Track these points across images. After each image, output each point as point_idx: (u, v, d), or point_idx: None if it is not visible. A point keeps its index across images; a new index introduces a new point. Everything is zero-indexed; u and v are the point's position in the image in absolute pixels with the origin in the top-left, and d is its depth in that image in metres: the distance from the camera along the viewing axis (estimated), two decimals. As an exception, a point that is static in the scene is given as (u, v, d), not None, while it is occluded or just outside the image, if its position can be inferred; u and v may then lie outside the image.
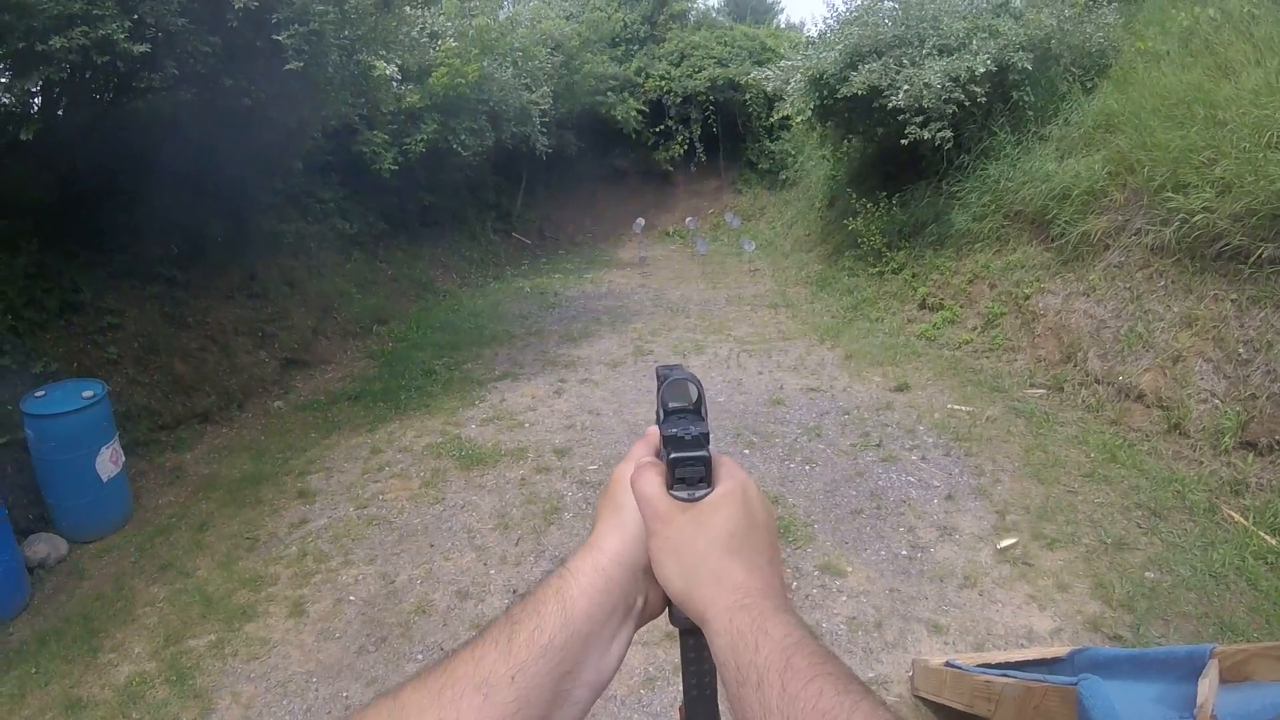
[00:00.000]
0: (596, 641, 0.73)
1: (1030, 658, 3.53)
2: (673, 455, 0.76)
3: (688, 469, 0.75)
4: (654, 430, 0.85)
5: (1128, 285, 6.82)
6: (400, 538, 5.23)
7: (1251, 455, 5.21)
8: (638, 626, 0.79)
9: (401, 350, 9.52)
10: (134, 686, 3.98)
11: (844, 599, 4.45)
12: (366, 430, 6.99)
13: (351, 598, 4.63)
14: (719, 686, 0.74)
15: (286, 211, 10.02)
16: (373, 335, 10.02)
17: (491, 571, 4.83)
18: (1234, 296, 5.89)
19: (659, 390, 0.85)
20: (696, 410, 0.82)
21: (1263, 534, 4.70)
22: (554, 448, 6.45)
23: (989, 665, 3.50)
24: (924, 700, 3.68)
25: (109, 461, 5.34)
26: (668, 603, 0.78)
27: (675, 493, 0.75)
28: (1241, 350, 5.64)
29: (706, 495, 0.75)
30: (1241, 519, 4.88)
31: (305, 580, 4.81)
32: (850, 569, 4.71)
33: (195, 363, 7.47)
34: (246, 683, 4.00)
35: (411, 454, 6.47)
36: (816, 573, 4.67)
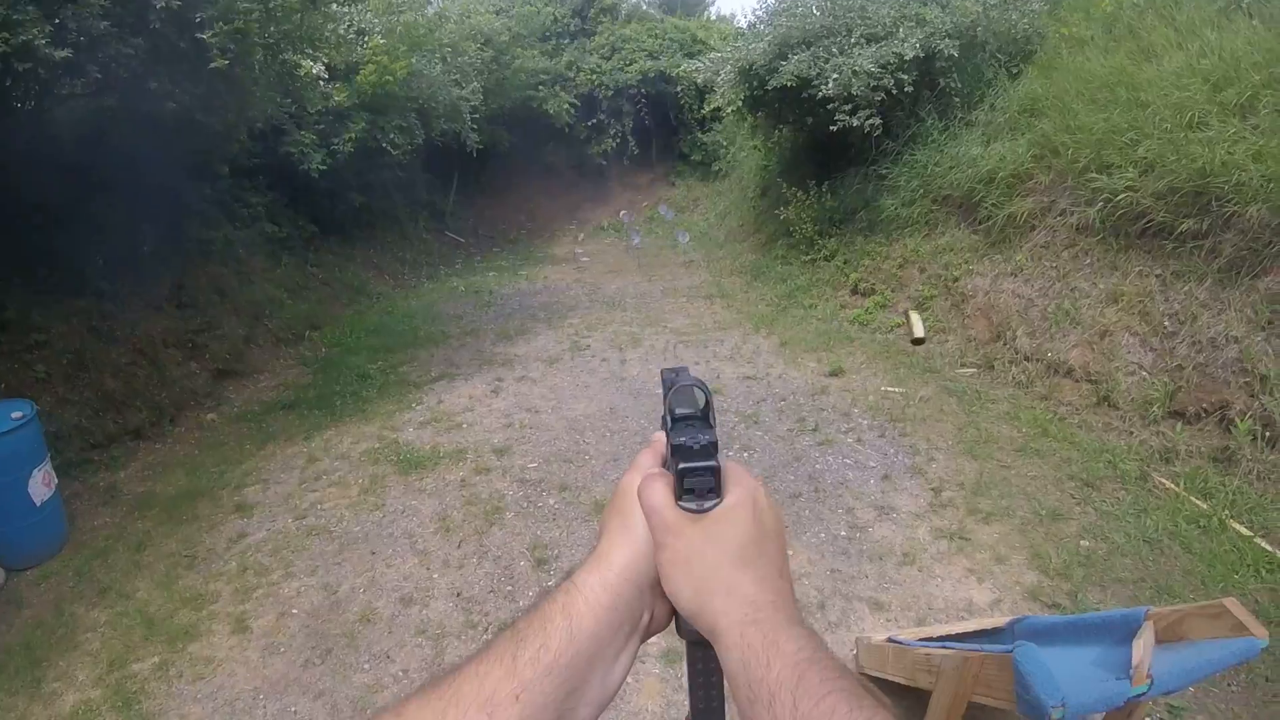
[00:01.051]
0: (602, 659, 0.71)
1: (971, 629, 3.56)
2: (681, 465, 0.74)
3: (696, 479, 0.73)
4: (660, 437, 0.83)
5: (1054, 264, 6.94)
6: (341, 547, 5.09)
7: (1180, 424, 5.34)
8: (643, 640, 0.78)
9: (335, 356, 9.29)
10: (80, 715, 3.82)
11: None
12: (302, 439, 6.80)
13: (294, 610, 4.49)
14: (727, 700, 0.73)
15: (214, 217, 9.72)
16: (305, 342, 9.74)
17: (435, 576, 4.73)
18: (1158, 272, 6.03)
19: (665, 396, 0.82)
20: (704, 417, 0.79)
21: (1194, 499, 4.81)
22: (493, 447, 6.34)
23: (930, 639, 3.51)
24: (869, 677, 3.66)
25: (42, 484, 5.08)
26: (674, 615, 0.77)
27: (684, 504, 0.74)
28: (1167, 323, 5.76)
29: (716, 506, 0.73)
30: (1173, 485, 4.98)
31: (247, 595, 4.65)
32: (791, 552, 4.66)
33: (125, 378, 7.19)
34: (193, 704, 3.85)
35: (349, 461, 6.31)
36: (757, 557, 4.63)
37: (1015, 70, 9.15)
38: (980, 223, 7.88)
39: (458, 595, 4.51)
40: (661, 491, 0.75)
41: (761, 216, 13.05)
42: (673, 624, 0.78)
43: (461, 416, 7.04)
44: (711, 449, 0.74)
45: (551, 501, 5.50)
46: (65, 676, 4.09)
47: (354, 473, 6.10)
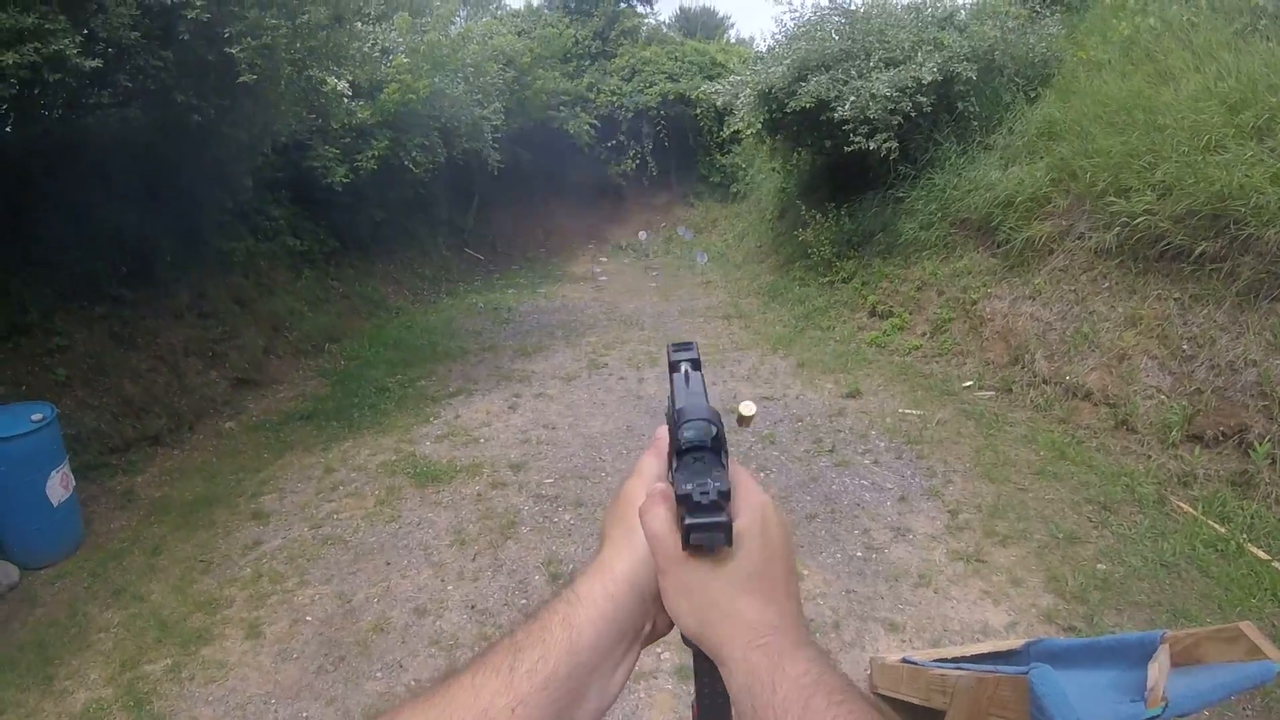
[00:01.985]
0: (602, 669, 0.69)
1: (986, 651, 3.53)
2: (688, 521, 0.67)
3: (704, 535, 0.67)
4: (663, 434, 0.79)
5: (1072, 288, 6.92)
6: (356, 557, 5.12)
7: (1198, 447, 5.30)
8: (644, 647, 0.76)
9: (354, 368, 9.35)
10: (91, 714, 3.85)
11: (802, 602, 4.43)
12: (320, 450, 6.84)
13: (308, 618, 4.52)
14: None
15: (236, 229, 9.81)
16: (325, 354, 9.82)
17: (449, 588, 4.74)
18: (1176, 295, 5.99)
19: (671, 380, 0.79)
20: (716, 449, 0.72)
21: (1212, 522, 4.78)
22: (509, 463, 6.37)
23: (945, 660, 3.50)
24: (883, 697, 3.66)
25: (59, 486, 5.14)
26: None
27: (689, 552, 0.68)
28: (1185, 347, 5.74)
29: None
30: (1190, 509, 4.96)
31: (261, 602, 4.68)
32: (807, 572, 4.68)
33: (145, 384, 7.27)
34: (205, 706, 3.88)
35: (365, 472, 6.35)
36: (773, 577, 4.64)
37: (1033, 94, 9.15)
38: (998, 246, 7.88)
39: (472, 607, 4.53)
40: (663, 519, 0.70)
41: (780, 238, 13.08)
42: (675, 631, 0.74)
43: (478, 431, 7.07)
44: (722, 501, 0.66)
45: (567, 517, 5.51)
46: (77, 675, 4.13)
47: (370, 484, 6.14)
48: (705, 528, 0.66)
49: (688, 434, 0.72)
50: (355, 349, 10.09)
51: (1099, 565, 4.57)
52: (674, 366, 0.82)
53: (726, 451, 0.73)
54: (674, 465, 0.73)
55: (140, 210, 7.68)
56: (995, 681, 2.62)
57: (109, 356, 7.12)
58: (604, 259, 16.75)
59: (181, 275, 8.44)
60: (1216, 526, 4.74)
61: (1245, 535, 4.62)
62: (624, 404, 7.59)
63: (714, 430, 0.73)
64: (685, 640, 0.72)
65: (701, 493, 0.66)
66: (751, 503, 0.72)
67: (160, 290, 8.10)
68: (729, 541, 0.68)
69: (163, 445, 6.98)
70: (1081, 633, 4.00)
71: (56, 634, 4.47)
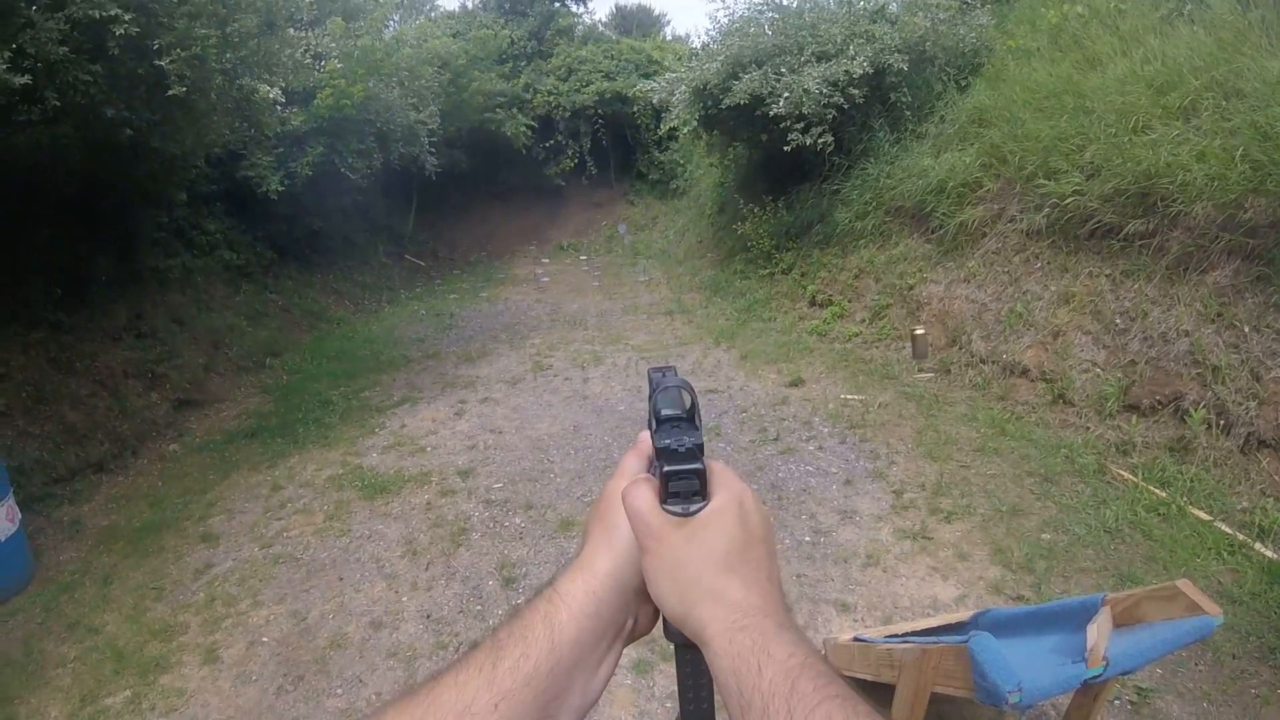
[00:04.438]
0: (584, 666, 0.71)
1: (936, 624, 3.56)
2: (666, 469, 0.72)
3: (681, 482, 0.72)
4: (645, 438, 0.81)
5: (1006, 269, 7.05)
6: (308, 574, 5.02)
7: (1135, 417, 5.42)
8: (626, 645, 0.77)
9: (296, 382, 9.16)
10: None
11: None
12: (266, 467, 6.70)
13: (264, 639, 4.41)
14: (717, 704, 0.72)
15: (171, 245, 9.58)
16: (266, 369, 9.61)
17: (404, 599, 4.67)
18: (1108, 272, 6.14)
19: (651, 396, 0.81)
20: (690, 419, 0.77)
21: (1152, 488, 4.88)
22: (457, 469, 6.29)
23: (895, 635, 3.52)
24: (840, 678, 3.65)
25: (5, 520, 4.95)
26: (661, 619, 0.75)
27: (669, 507, 0.72)
28: (1118, 321, 5.86)
29: (701, 509, 0.71)
30: (1130, 476, 5.05)
31: (216, 626, 4.57)
32: None
33: (86, 410, 7.05)
34: None
35: (313, 488, 6.22)
36: (722, 567, 4.62)
37: (964, 83, 9.28)
38: (932, 232, 7.99)
39: (427, 617, 4.47)
40: (646, 496, 0.73)
41: (720, 233, 13.13)
42: (655, 629, 0.77)
43: (425, 440, 6.97)
44: (697, 451, 0.72)
45: (518, 521, 5.45)
46: (37, 714, 4.01)
47: (318, 499, 6.02)
48: (683, 474, 0.71)
49: (663, 405, 0.78)
50: (297, 362, 9.91)
51: (1043, 535, 4.63)
52: (651, 375, 0.85)
53: (700, 418, 0.78)
54: (653, 429, 0.78)
55: (72, 230, 7.50)
56: (939, 652, 2.64)
57: (48, 383, 6.92)
58: (546, 260, 16.67)
59: (118, 296, 8.23)
60: (1157, 491, 4.83)
61: (1186, 498, 4.72)
62: (570, 404, 7.53)
63: (688, 399, 0.78)
64: (668, 633, 0.73)
65: (679, 443, 0.73)
66: (729, 487, 0.73)
67: (97, 312, 7.89)
68: (704, 491, 0.72)
69: (107, 472, 6.82)
70: (1029, 601, 4.05)
71: (13, 673, 4.32)
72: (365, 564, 5.08)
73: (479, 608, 4.51)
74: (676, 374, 0.82)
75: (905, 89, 9.38)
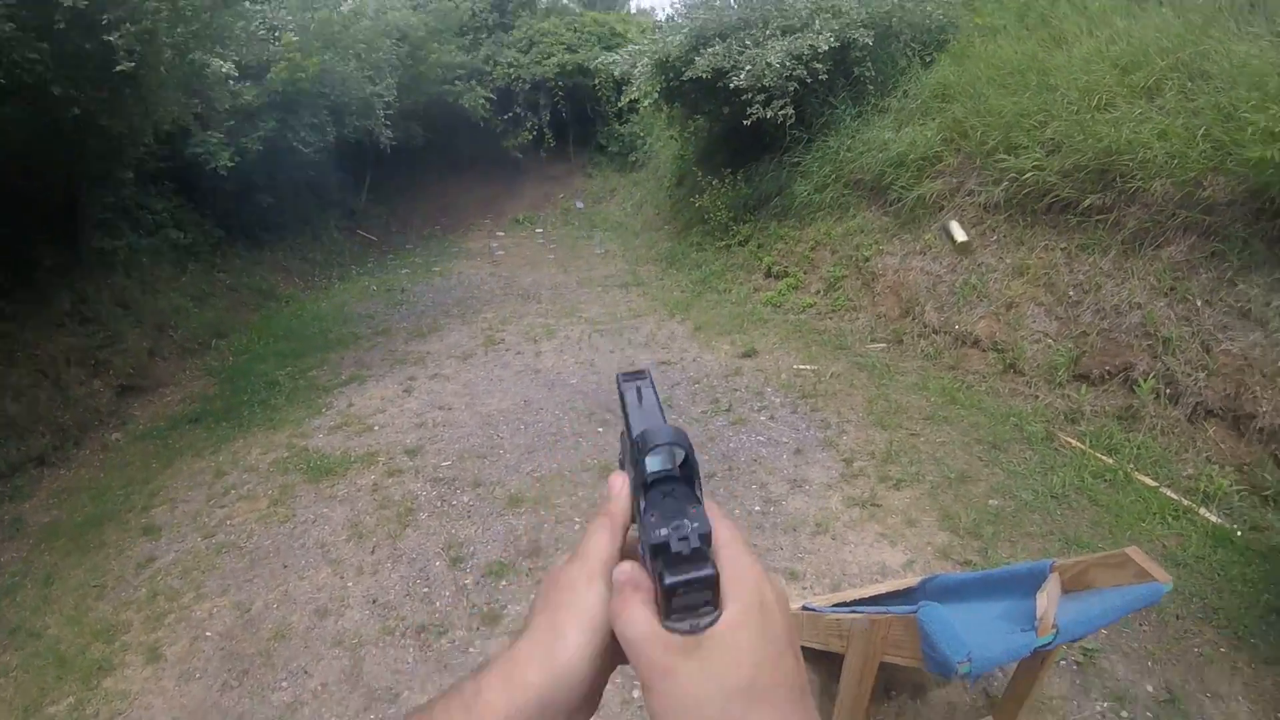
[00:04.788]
0: None
1: (884, 591, 3.56)
2: (669, 580, 0.55)
3: (689, 596, 0.55)
4: (620, 492, 0.66)
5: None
6: (252, 562, 4.88)
7: (1084, 386, 5.49)
8: None
9: (243, 364, 8.90)
10: None
11: None
12: (209, 453, 6.50)
13: (208, 633, 4.29)
14: None
15: (117, 227, 9.21)
16: (212, 351, 9.32)
17: (349, 584, 4.56)
18: (1063, 245, 6.19)
19: (625, 417, 0.67)
20: (689, 480, 0.62)
21: (1099, 455, 4.95)
22: (405, 448, 6.16)
23: (844, 604, 3.49)
24: None
25: None
26: None
27: (673, 625, 0.56)
28: (1071, 293, 5.92)
29: (714, 622, 0.55)
30: (1078, 443, 5.11)
31: (158, 622, 4.42)
32: None
33: (28, 401, 6.79)
34: None
35: (257, 473, 6.05)
36: (674, 544, 4.56)
37: (929, 59, 9.25)
38: (890, 205, 7.97)
39: (373, 602, 4.37)
40: (642, 620, 0.57)
41: (677, 205, 13.03)
42: None
43: (373, 419, 6.82)
44: (704, 547, 0.56)
45: (465, 499, 5.34)
46: None
47: (263, 485, 5.86)
48: (691, 585, 0.55)
49: (652, 463, 0.62)
50: (244, 343, 9.62)
51: (991, 501, 4.66)
52: (623, 391, 0.70)
53: (699, 480, 0.62)
54: (641, 506, 0.61)
55: (15, 215, 7.23)
56: (888, 622, 2.60)
57: (-13, 374, 6.65)
58: (501, 233, 16.43)
59: (60, 280, 7.92)
60: (1104, 458, 4.90)
61: (1132, 465, 4.79)
62: (521, 379, 7.41)
63: (682, 454, 0.63)
64: None
65: (680, 539, 0.56)
66: (744, 581, 0.58)
67: (39, 298, 7.59)
68: (716, 603, 0.56)
69: (49, 465, 6.59)
70: (977, 566, 4.05)
71: (-45, 686, 4.16)
72: (310, 550, 4.96)
73: (425, 590, 4.42)
74: (652, 382, 0.70)
75: (869, 64, 9.30)
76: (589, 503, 5.04)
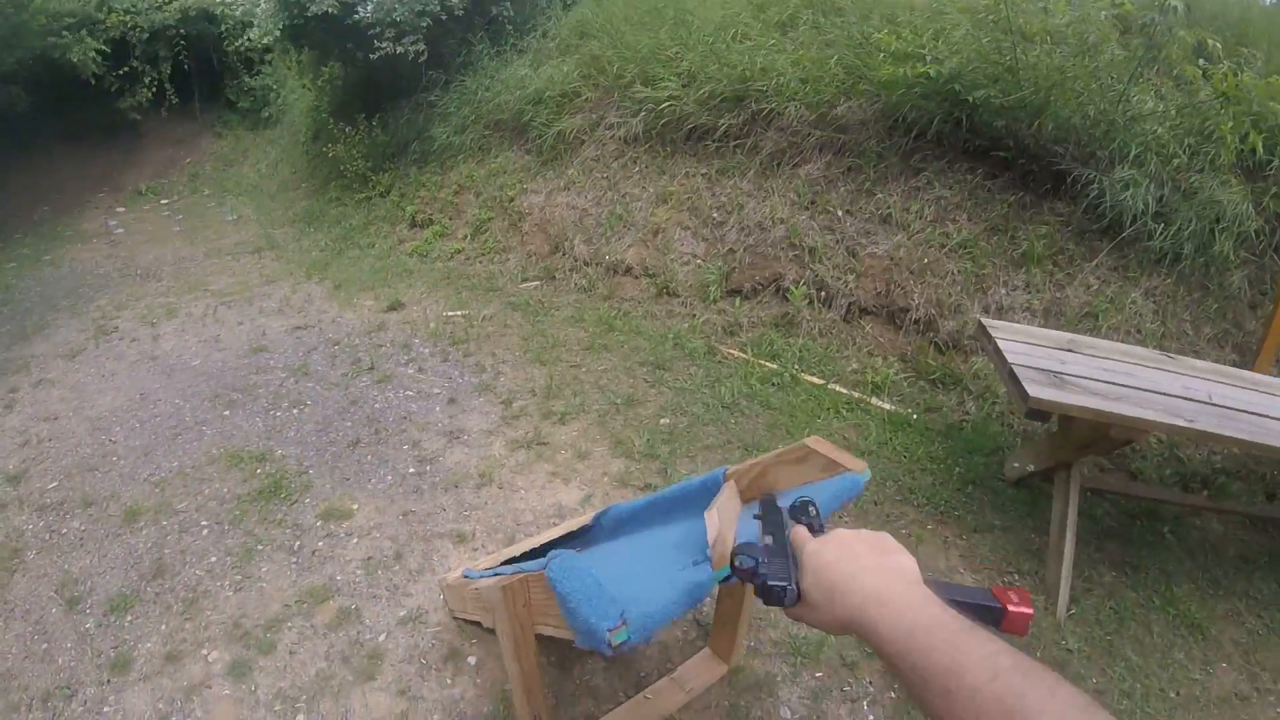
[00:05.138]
0: None
1: (559, 534, 3.15)
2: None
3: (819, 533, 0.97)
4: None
5: (605, 175, 7.06)
6: None
7: (739, 300, 5.62)
8: None
9: None
10: None
11: (355, 541, 3.80)
12: None
13: None
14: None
15: None
16: None
17: None
18: (704, 171, 6.34)
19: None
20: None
21: (763, 361, 5.08)
22: (7, 476, 4.79)
23: (513, 559, 3.06)
24: (466, 622, 3.10)
25: None
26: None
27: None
28: (715, 215, 6.05)
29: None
30: (741, 353, 5.21)
31: None
32: (356, 506, 4.06)
33: None
34: None
35: None
36: (320, 523, 3.94)
37: (569, 2, 9.26)
38: (531, 143, 7.83)
39: None
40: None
41: (314, 161, 12.11)
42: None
43: (-37, 451, 5.40)
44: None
45: (76, 524, 4.23)
46: None
47: None
48: (814, 528, 0.99)
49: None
50: None
51: (662, 420, 4.57)
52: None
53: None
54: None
55: None
56: (522, 584, 1.97)
57: None
58: (120, 209, 14.40)
59: None
60: (768, 364, 5.02)
61: (797, 367, 4.96)
62: (137, 370, 6.26)
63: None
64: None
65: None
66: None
67: None
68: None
69: None
70: (657, 488, 3.82)
71: None
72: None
73: (45, 645, 3.38)
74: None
75: (508, 3, 9.08)
76: (217, 502, 4.19)
